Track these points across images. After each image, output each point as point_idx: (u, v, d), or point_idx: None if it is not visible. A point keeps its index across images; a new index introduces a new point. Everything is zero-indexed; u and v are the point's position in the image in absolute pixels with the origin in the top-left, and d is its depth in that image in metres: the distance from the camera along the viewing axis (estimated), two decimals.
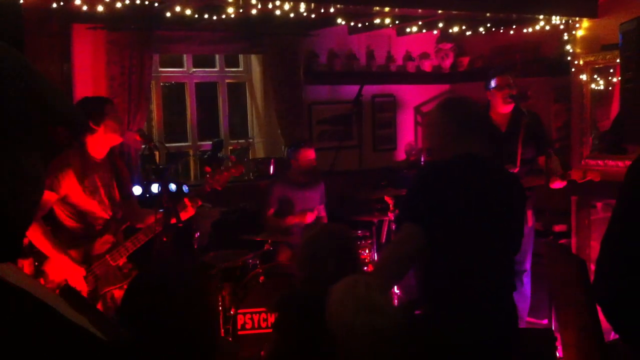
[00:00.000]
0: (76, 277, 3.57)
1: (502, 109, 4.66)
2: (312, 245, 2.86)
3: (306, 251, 2.87)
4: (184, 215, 3.72)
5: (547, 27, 6.29)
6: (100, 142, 3.65)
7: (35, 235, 3.51)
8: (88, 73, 5.74)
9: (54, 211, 3.68)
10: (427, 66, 7.71)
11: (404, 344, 2.06)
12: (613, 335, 3.81)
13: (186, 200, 3.77)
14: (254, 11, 5.13)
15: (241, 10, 5.16)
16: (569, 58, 6.19)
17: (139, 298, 1.74)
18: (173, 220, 3.50)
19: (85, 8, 4.90)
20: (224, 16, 5.32)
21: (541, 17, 6.02)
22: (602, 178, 4.70)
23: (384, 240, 5.80)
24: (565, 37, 6.21)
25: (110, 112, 3.66)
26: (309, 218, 5.32)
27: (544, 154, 4.54)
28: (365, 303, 2.08)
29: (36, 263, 4.51)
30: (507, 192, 2.68)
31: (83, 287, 3.56)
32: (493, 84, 4.67)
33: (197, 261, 4.82)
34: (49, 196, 3.52)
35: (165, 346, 1.62)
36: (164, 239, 3.33)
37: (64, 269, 3.57)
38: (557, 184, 4.50)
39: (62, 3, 4.72)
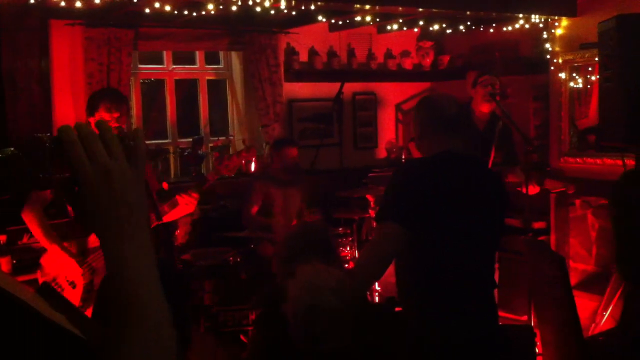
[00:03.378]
0: (71, 269, 3.48)
1: (483, 107, 4.74)
2: (290, 242, 2.87)
3: (284, 249, 2.88)
4: (187, 209, 3.65)
5: (527, 26, 6.34)
6: None
7: (31, 225, 3.53)
8: (66, 70, 5.68)
9: (61, 202, 3.64)
10: (408, 64, 7.73)
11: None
12: (591, 332, 3.86)
13: (191, 192, 3.65)
14: (234, 8, 5.10)
15: (221, 7, 5.14)
16: (547, 56, 6.24)
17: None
18: (153, 217, 3.47)
19: (63, 4, 4.86)
20: (203, 13, 5.29)
21: (521, 15, 6.06)
22: (580, 175, 4.76)
23: (364, 238, 5.81)
24: (545, 35, 6.26)
25: (104, 107, 3.54)
26: (292, 209, 5.32)
27: (509, 165, 4.68)
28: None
29: (14, 261, 4.47)
30: (488, 189, 2.68)
31: (79, 280, 3.46)
32: (476, 81, 4.81)
33: (176, 259, 4.79)
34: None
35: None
36: None
37: (59, 261, 3.50)
38: (532, 190, 4.61)
39: None
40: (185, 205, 3.66)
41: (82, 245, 3.54)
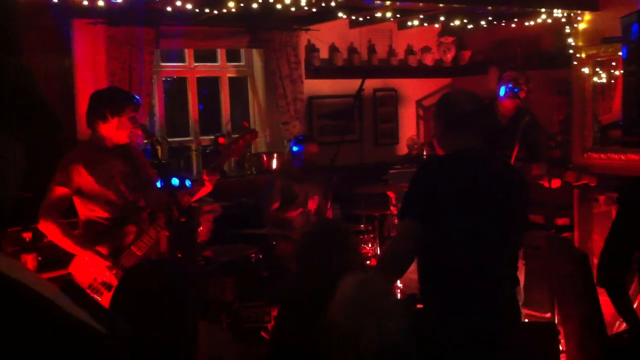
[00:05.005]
0: (104, 272, 3.45)
1: (506, 102, 4.77)
2: (307, 240, 2.87)
3: (302, 246, 2.88)
4: (202, 192, 3.68)
5: (549, 20, 6.28)
6: (110, 134, 3.53)
7: (55, 235, 3.44)
8: (89, 68, 5.72)
9: (78, 209, 3.57)
10: (428, 60, 7.70)
11: (409, 347, 2.03)
12: (615, 328, 3.82)
13: (204, 176, 3.66)
14: (254, 5, 5.12)
15: (242, 5, 5.15)
16: (570, 51, 6.18)
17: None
18: (176, 214, 3.49)
19: (85, 3, 4.90)
20: (224, 10, 5.32)
21: (543, 10, 6.01)
22: (604, 171, 4.72)
23: (386, 234, 5.80)
24: (567, 30, 6.20)
25: (131, 111, 3.54)
26: (311, 205, 5.32)
27: (533, 161, 4.65)
28: (373, 307, 2.03)
29: (39, 258, 4.51)
30: (495, 188, 2.63)
31: (113, 281, 3.40)
32: (501, 77, 4.85)
33: (198, 255, 4.82)
34: (61, 191, 3.45)
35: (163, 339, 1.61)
36: (166, 234, 3.29)
37: (91, 266, 3.45)
38: (554, 183, 4.57)
39: None
40: (209, 183, 3.68)
41: (113, 247, 3.51)
